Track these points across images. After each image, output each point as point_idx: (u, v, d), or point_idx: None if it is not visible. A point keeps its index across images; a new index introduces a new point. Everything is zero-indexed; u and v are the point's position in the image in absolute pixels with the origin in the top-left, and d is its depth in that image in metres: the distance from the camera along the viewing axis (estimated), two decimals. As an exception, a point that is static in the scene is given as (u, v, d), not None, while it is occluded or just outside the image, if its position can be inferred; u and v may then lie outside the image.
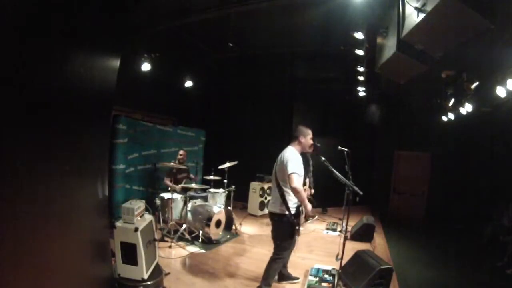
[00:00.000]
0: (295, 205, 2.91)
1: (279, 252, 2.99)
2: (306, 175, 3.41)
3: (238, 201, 6.66)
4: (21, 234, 1.80)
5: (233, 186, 5.47)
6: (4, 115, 1.66)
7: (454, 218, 6.27)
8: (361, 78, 5.71)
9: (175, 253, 4.11)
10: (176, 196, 4.81)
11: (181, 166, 5.11)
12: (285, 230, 2.89)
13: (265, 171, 6.58)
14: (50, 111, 2.00)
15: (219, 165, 5.30)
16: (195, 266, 3.79)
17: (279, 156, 2.98)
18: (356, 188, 2.85)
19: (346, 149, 3.41)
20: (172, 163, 4.89)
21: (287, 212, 2.84)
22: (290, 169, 2.77)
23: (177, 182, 5.15)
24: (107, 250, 2.85)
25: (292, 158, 2.84)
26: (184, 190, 5.07)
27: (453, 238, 5.75)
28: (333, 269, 3.61)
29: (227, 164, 5.27)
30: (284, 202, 2.84)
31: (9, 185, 1.71)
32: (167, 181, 5.12)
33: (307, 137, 3.02)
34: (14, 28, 1.68)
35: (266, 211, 6.58)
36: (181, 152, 5.42)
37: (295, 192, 2.76)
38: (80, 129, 2.33)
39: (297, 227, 2.87)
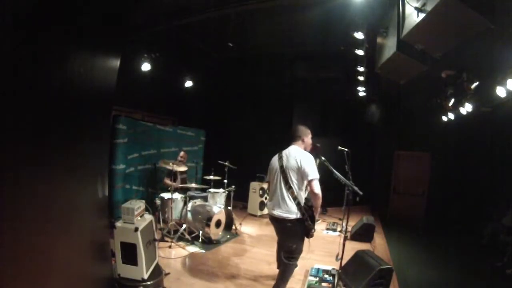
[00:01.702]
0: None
1: (295, 255, 2.85)
2: None
3: (238, 201, 6.66)
4: (21, 234, 1.80)
5: (233, 186, 5.47)
6: (4, 115, 1.66)
7: (454, 218, 6.27)
8: (361, 78, 5.70)
9: (175, 253, 4.11)
10: (176, 196, 4.81)
11: (181, 168, 5.10)
12: (300, 233, 2.77)
13: (265, 171, 6.55)
14: (50, 111, 2.00)
15: (219, 166, 5.30)
16: (195, 266, 3.80)
17: (285, 154, 2.84)
18: (356, 188, 2.85)
19: (346, 149, 3.41)
20: (171, 163, 4.88)
21: (301, 216, 2.69)
22: (312, 175, 2.64)
23: (177, 183, 5.14)
24: (107, 250, 2.85)
25: (310, 161, 2.70)
26: (184, 190, 5.07)
27: (453, 238, 5.75)
28: (333, 269, 3.61)
29: (227, 163, 5.28)
30: (299, 205, 2.71)
31: (9, 185, 1.71)
32: (167, 181, 5.12)
33: (308, 136, 2.97)
34: (14, 28, 1.68)
35: (266, 211, 6.57)
36: (181, 154, 5.44)
37: (317, 198, 2.65)
38: (80, 129, 2.33)
39: (313, 230, 2.76)
